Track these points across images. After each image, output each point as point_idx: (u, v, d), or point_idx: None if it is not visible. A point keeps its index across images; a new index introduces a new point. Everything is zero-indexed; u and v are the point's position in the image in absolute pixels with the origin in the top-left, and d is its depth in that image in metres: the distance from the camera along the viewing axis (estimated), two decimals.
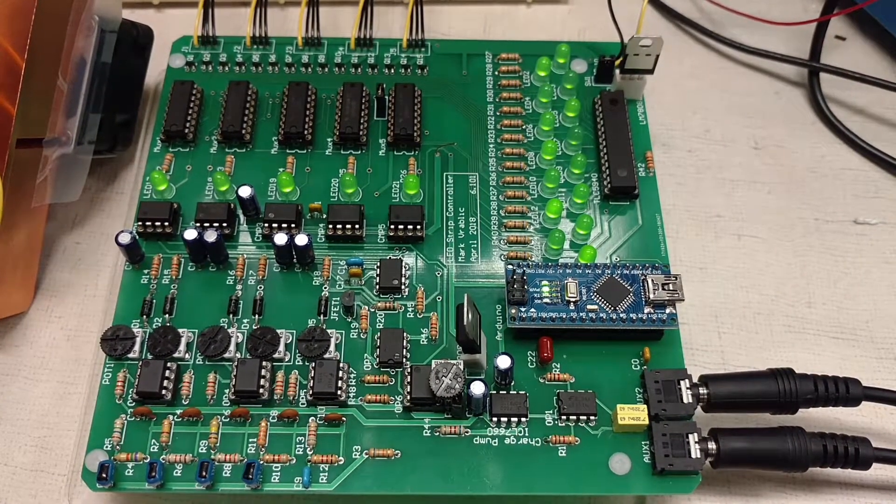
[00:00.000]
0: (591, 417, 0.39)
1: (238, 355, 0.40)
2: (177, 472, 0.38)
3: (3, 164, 0.39)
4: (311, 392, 0.39)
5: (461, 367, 0.38)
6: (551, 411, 0.39)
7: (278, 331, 0.40)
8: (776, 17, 0.54)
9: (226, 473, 0.38)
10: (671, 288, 0.40)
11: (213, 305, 0.42)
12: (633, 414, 0.38)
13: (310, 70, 0.49)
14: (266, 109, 0.48)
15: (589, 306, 0.40)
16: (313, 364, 0.39)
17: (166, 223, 0.43)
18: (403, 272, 0.42)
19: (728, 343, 0.45)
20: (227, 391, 0.39)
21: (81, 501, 0.40)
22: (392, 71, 0.49)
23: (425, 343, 0.41)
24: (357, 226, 0.43)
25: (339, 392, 0.39)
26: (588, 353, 0.40)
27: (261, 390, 0.39)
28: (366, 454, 0.38)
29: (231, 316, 0.41)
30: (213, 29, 0.50)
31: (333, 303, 0.42)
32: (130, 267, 0.43)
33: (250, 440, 0.38)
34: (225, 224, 0.43)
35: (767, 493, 0.41)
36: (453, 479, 0.37)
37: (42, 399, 0.43)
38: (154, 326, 0.41)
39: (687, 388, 0.38)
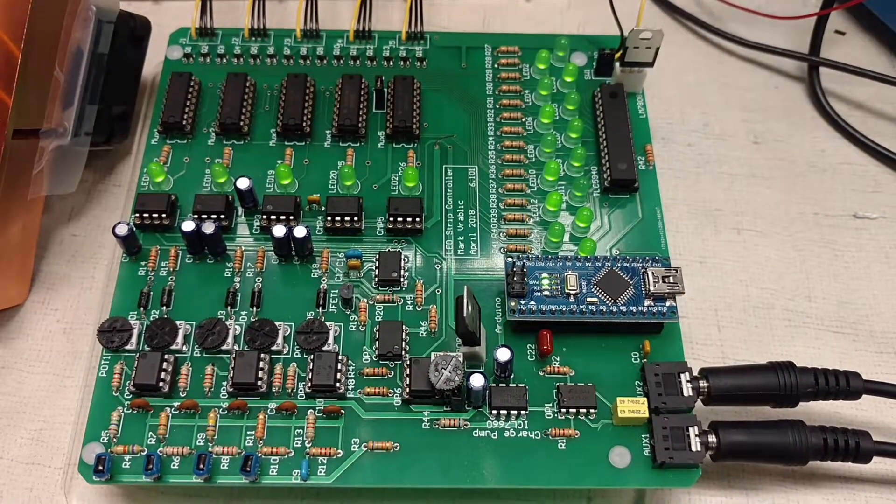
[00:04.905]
0: (591, 410, 0.39)
1: (236, 347, 0.40)
2: (174, 465, 0.37)
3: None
4: (309, 384, 0.38)
5: (460, 359, 0.37)
6: (551, 404, 0.39)
7: (276, 323, 0.40)
8: (776, 11, 0.54)
9: (223, 466, 0.37)
10: (671, 280, 0.40)
11: (210, 297, 0.41)
12: (633, 407, 0.38)
13: (308, 62, 0.49)
14: (264, 101, 0.48)
15: (589, 299, 0.40)
16: (312, 356, 0.39)
17: (164, 215, 0.43)
18: (402, 265, 0.42)
19: (728, 337, 0.44)
20: (224, 383, 0.39)
21: (78, 494, 0.39)
22: (391, 63, 0.49)
23: (424, 336, 0.41)
24: (356, 218, 0.43)
25: (337, 384, 0.38)
26: (588, 345, 0.40)
27: (259, 382, 0.38)
28: (364, 447, 0.38)
29: (229, 308, 0.41)
30: (211, 21, 0.50)
31: (332, 295, 0.41)
32: (127, 259, 0.42)
33: (248, 433, 0.38)
34: (223, 216, 0.43)
35: (767, 486, 0.40)
36: (452, 471, 0.37)
37: (38, 392, 0.42)
38: (151, 318, 0.41)
39: (687, 382, 0.38)
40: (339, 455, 0.38)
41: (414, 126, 0.46)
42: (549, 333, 0.40)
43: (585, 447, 0.38)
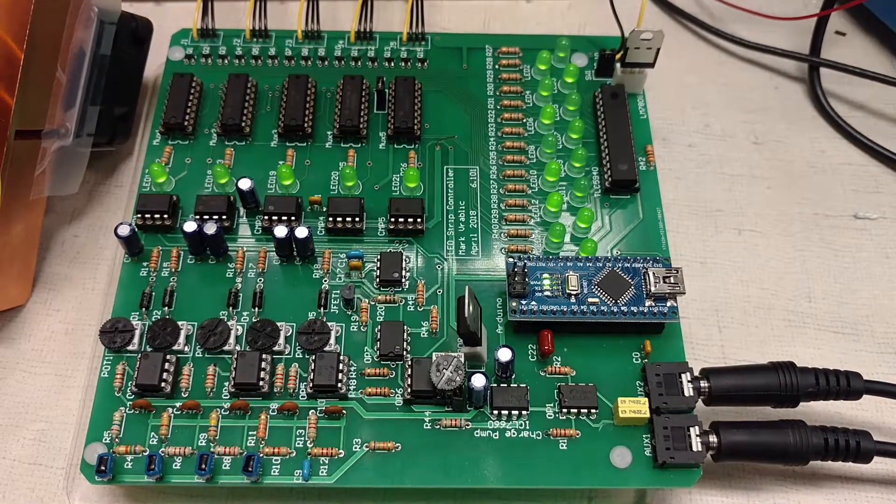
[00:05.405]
0: (592, 410, 0.39)
1: (238, 348, 0.40)
2: (176, 465, 0.37)
3: (2, 155, 0.39)
4: (311, 385, 0.39)
5: (462, 359, 0.37)
6: (552, 404, 0.39)
7: (278, 323, 0.40)
8: (776, 12, 0.54)
9: (225, 466, 0.38)
10: (672, 281, 0.40)
11: (212, 298, 0.41)
12: (634, 407, 0.38)
13: (310, 63, 0.49)
14: (266, 102, 0.48)
15: (590, 299, 0.40)
16: (313, 357, 0.39)
17: (165, 216, 0.43)
18: (404, 265, 0.42)
19: (728, 337, 0.44)
20: (226, 384, 0.39)
21: (80, 494, 0.40)
22: (392, 64, 0.49)
23: (426, 336, 0.41)
24: (357, 219, 0.43)
25: (339, 385, 0.38)
26: (589, 346, 0.40)
27: (261, 383, 0.38)
28: (366, 447, 0.38)
29: (231, 308, 0.41)
30: (212, 22, 0.50)
31: (333, 295, 0.42)
32: (129, 259, 0.42)
33: (250, 433, 0.38)
34: (224, 217, 0.43)
35: (768, 486, 0.40)
36: (454, 472, 0.37)
37: (40, 392, 0.42)
38: (153, 319, 0.41)
39: (688, 382, 0.38)
40: (341, 455, 0.38)
41: (415, 127, 0.46)
42: (550, 334, 0.40)
43: (586, 447, 0.38)
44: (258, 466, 0.37)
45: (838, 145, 0.51)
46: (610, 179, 0.44)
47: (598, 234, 0.44)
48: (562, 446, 0.38)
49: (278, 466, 0.37)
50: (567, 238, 0.43)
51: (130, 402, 0.39)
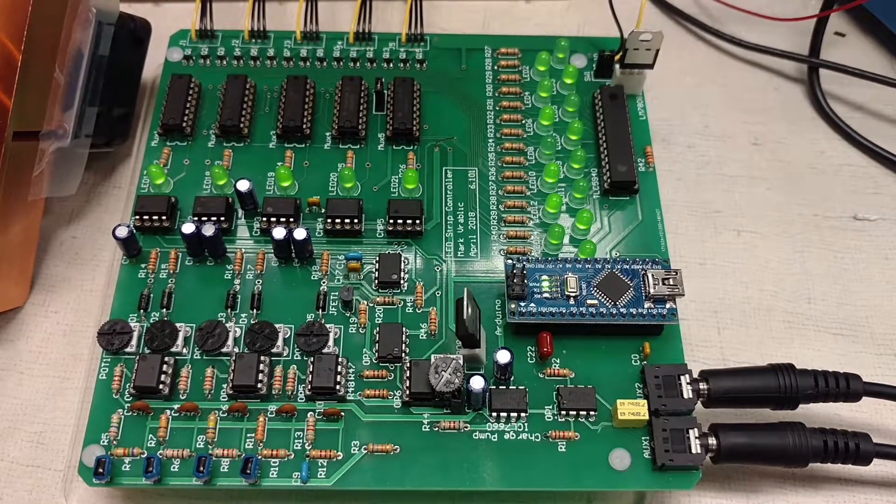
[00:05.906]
0: (591, 412, 0.39)
1: (236, 350, 0.40)
2: (174, 467, 0.37)
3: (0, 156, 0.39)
4: (309, 387, 0.38)
5: (460, 361, 0.37)
6: (551, 406, 0.39)
7: (276, 325, 0.40)
8: (776, 13, 0.54)
9: (223, 468, 0.37)
10: (671, 283, 0.40)
11: (210, 300, 0.41)
12: (633, 409, 0.38)
13: (308, 64, 0.49)
14: (264, 103, 0.48)
15: (589, 301, 0.40)
16: (312, 359, 0.39)
17: (164, 217, 0.43)
18: (402, 267, 0.42)
19: (728, 339, 0.44)
20: (224, 386, 0.39)
21: (78, 497, 0.39)
22: (391, 65, 0.49)
23: (424, 338, 0.41)
24: (356, 220, 0.43)
25: (337, 387, 0.38)
26: (588, 348, 0.40)
27: (259, 385, 0.38)
28: (364, 449, 0.38)
29: (229, 310, 0.41)
30: (210, 23, 0.50)
31: (332, 297, 0.41)
32: (127, 261, 0.42)
33: (248, 435, 0.38)
34: (223, 218, 0.43)
35: (768, 488, 0.40)
36: (452, 474, 0.37)
37: (38, 394, 0.42)
38: (151, 321, 0.41)
39: (687, 384, 0.38)
40: (339, 457, 0.38)
41: (414, 128, 0.46)
42: (548, 335, 0.40)
43: (585, 449, 0.38)
44: (256, 469, 0.37)
45: (838, 146, 0.51)
46: (609, 181, 0.44)
47: (597, 236, 0.44)
48: (561, 448, 0.38)
49: (276, 469, 0.37)
50: (566, 240, 0.43)
51: (128, 404, 0.39)
